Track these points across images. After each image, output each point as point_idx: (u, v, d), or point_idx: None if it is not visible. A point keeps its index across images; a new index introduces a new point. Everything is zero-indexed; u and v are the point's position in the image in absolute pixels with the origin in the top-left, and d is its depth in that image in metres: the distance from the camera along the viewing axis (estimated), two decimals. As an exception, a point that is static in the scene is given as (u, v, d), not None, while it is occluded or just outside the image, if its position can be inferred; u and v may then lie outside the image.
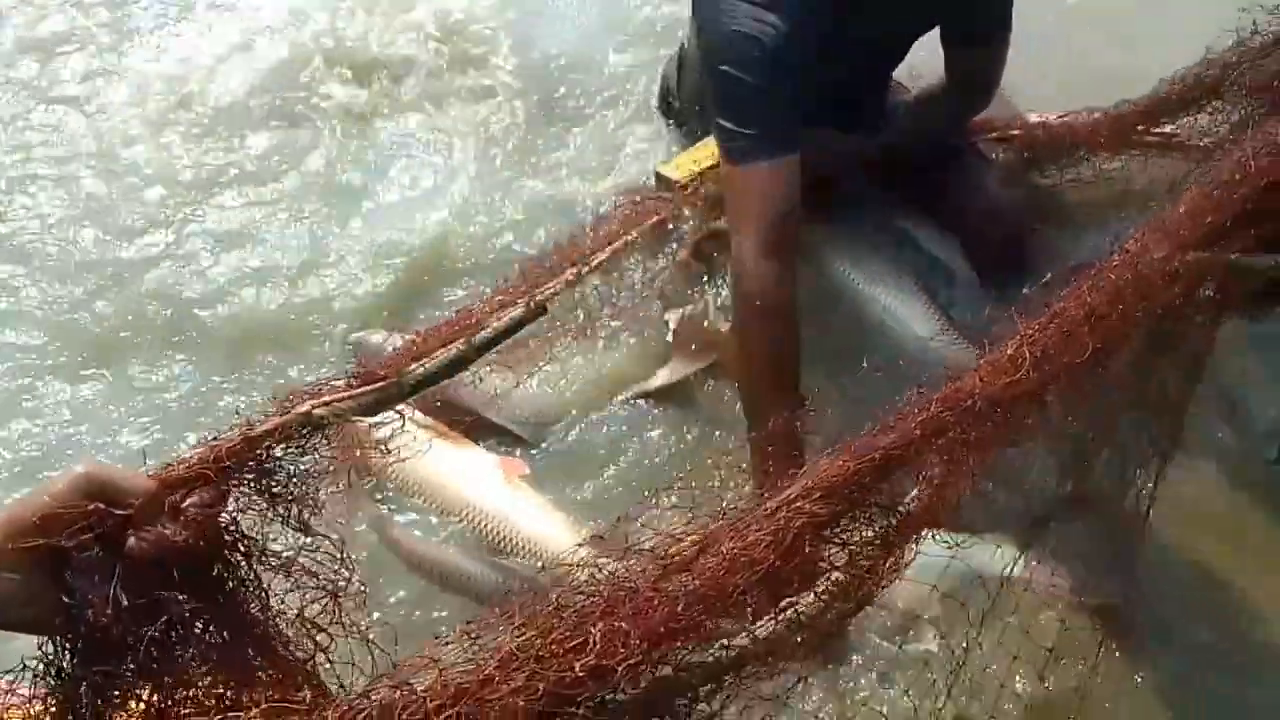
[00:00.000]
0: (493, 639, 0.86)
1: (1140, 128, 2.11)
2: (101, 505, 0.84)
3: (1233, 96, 1.69)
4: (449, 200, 2.71)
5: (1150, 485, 1.57)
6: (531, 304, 1.84)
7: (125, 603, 0.84)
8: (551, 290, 1.98)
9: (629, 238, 2.18)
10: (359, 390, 1.25)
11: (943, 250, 2.33)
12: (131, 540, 0.86)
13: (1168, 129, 2.10)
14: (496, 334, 1.72)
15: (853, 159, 2.31)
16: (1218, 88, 1.85)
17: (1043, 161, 2.34)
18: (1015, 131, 2.37)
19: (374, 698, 0.79)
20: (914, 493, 0.98)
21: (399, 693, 0.79)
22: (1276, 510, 1.95)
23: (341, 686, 1.05)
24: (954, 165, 2.34)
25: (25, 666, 0.85)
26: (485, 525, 1.90)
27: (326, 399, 1.16)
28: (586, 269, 2.10)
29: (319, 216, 2.71)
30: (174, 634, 0.91)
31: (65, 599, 0.83)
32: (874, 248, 2.31)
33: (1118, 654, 1.70)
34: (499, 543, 1.90)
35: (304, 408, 1.11)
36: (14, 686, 0.86)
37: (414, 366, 1.52)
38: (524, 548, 1.89)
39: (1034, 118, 2.40)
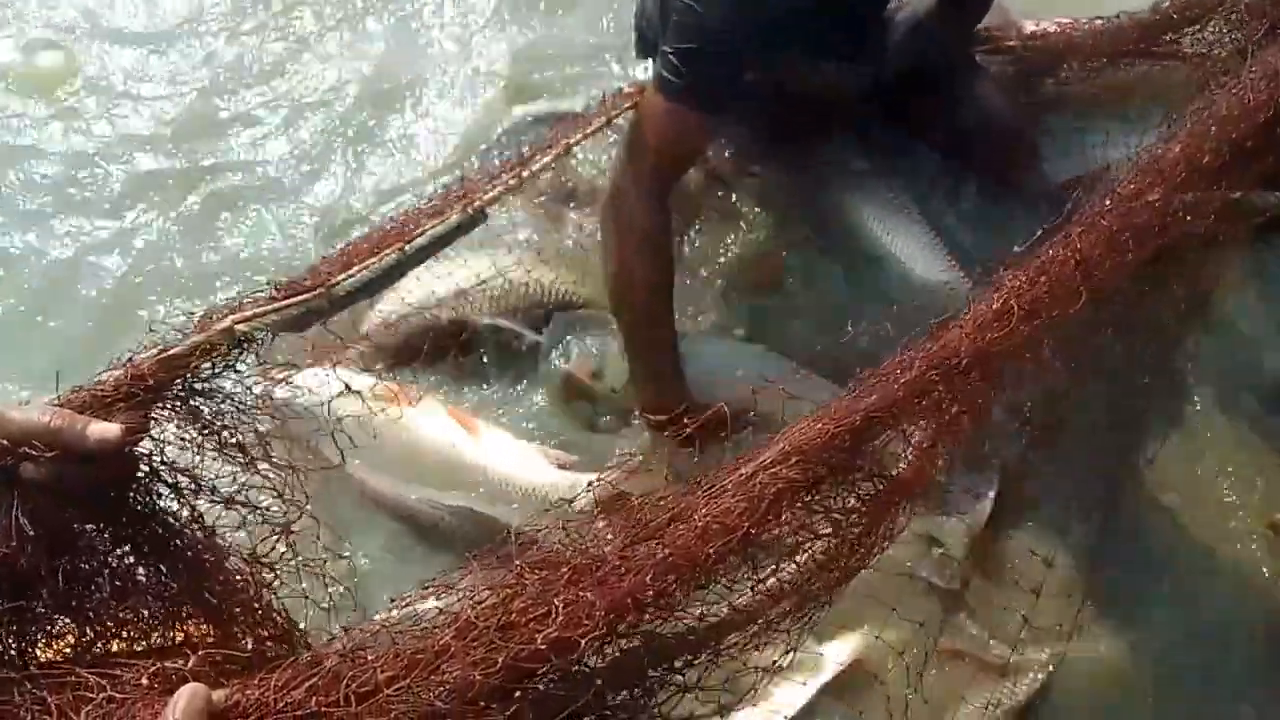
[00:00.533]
0: (453, 602, 0.83)
1: (1139, 44, 2.06)
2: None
3: (1230, 20, 1.62)
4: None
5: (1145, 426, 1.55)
6: (469, 209, 1.83)
7: (29, 533, 0.81)
8: (491, 195, 1.92)
9: (571, 141, 2.10)
10: (283, 303, 1.18)
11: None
12: (26, 466, 0.82)
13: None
14: (433, 240, 1.72)
15: (852, 94, 2.24)
16: (1217, 6, 1.79)
17: (1042, 72, 2.31)
18: (1012, 43, 2.31)
19: (324, 664, 0.76)
20: (902, 458, 0.94)
21: (349, 660, 0.76)
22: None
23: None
24: (956, 81, 2.28)
25: None
26: (467, 477, 1.86)
27: (248, 313, 1.09)
28: (528, 174, 2.02)
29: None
30: (86, 566, 0.88)
31: None
32: (880, 186, 2.30)
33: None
34: (488, 490, 1.86)
35: (224, 324, 1.05)
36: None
37: (343, 277, 1.44)
38: (510, 488, 1.86)
39: (1030, 26, 2.33)
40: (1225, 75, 1.36)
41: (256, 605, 1.02)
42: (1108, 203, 1.06)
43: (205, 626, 0.98)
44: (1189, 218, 1.22)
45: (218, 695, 0.73)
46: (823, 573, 0.99)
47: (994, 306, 0.93)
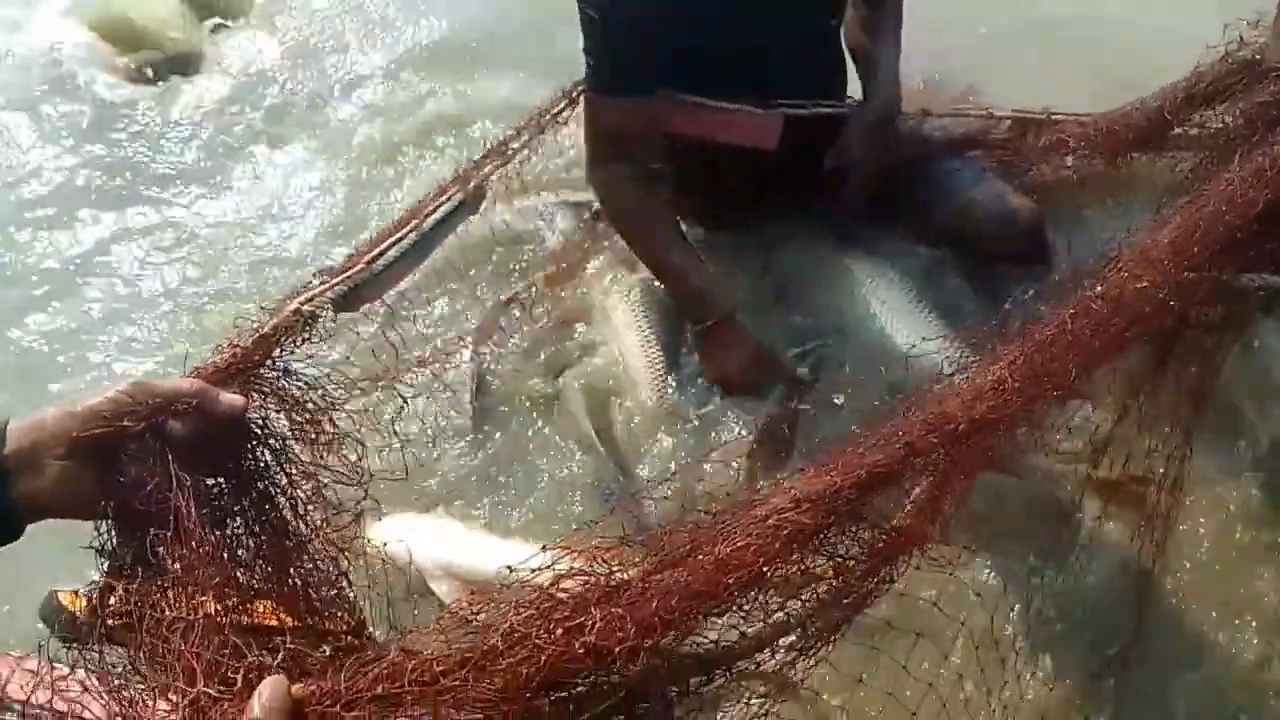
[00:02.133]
0: (496, 616, 0.93)
1: (1130, 139, 2.17)
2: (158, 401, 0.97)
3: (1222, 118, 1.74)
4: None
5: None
6: (469, 188, 2.29)
7: (175, 481, 0.96)
8: (485, 174, 2.35)
9: (546, 118, 2.49)
10: (334, 281, 1.46)
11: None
12: (174, 424, 1.00)
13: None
14: (444, 218, 2.17)
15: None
16: (1206, 103, 1.91)
17: (1033, 166, 2.39)
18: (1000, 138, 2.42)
19: (387, 658, 0.86)
20: (903, 511, 1.04)
21: (409, 657, 0.86)
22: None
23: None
24: (953, 184, 2.36)
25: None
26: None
27: (308, 295, 1.34)
28: (513, 151, 2.42)
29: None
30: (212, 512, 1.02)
31: (119, 479, 0.97)
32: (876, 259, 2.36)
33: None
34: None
35: (293, 305, 1.28)
36: (21, 661, 0.93)
37: (375, 253, 1.81)
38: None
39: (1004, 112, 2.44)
40: (1215, 169, 1.47)
41: (333, 590, 1.13)
42: (1099, 288, 1.17)
43: (284, 615, 1.08)
44: (1178, 303, 1.33)
45: (295, 688, 0.82)
46: (825, 612, 1.09)
47: (990, 379, 1.03)
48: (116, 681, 0.87)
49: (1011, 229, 2.29)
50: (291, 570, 1.10)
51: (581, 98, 2.43)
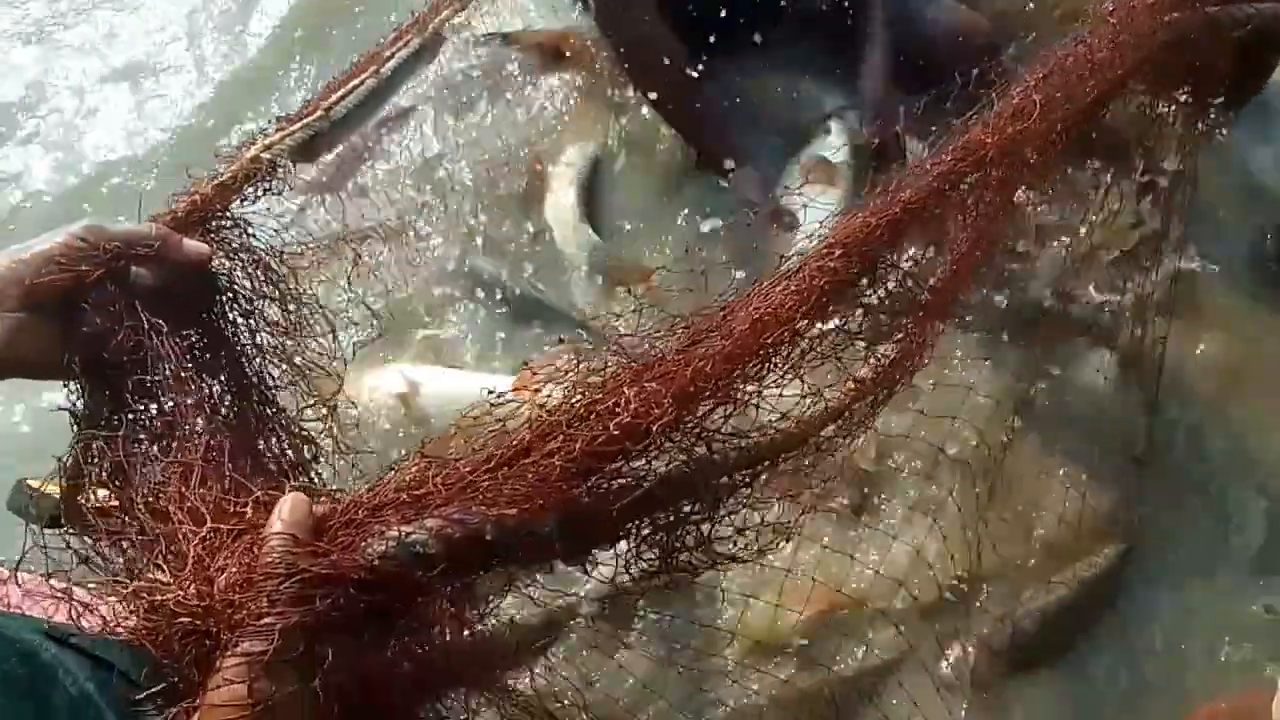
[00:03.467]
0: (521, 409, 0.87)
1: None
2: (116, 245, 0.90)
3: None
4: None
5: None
6: (429, 31, 2.18)
7: (148, 326, 0.90)
8: (443, 18, 2.23)
9: None
10: (291, 129, 1.39)
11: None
12: (139, 271, 0.93)
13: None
14: (403, 63, 2.10)
15: None
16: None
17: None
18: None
19: (408, 464, 0.80)
20: (940, 266, 0.98)
21: (433, 463, 0.80)
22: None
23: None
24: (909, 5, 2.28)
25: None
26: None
27: (267, 141, 1.28)
28: None
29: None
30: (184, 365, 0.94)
31: (83, 330, 0.89)
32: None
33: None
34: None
35: (250, 153, 1.20)
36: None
37: (334, 99, 1.71)
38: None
39: None
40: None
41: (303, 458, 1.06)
42: (1110, 6, 1.11)
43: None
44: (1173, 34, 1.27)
45: (315, 506, 0.75)
46: (865, 396, 1.05)
47: (1013, 104, 0.97)
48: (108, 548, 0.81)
49: (968, 46, 2.19)
50: (267, 430, 1.05)
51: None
